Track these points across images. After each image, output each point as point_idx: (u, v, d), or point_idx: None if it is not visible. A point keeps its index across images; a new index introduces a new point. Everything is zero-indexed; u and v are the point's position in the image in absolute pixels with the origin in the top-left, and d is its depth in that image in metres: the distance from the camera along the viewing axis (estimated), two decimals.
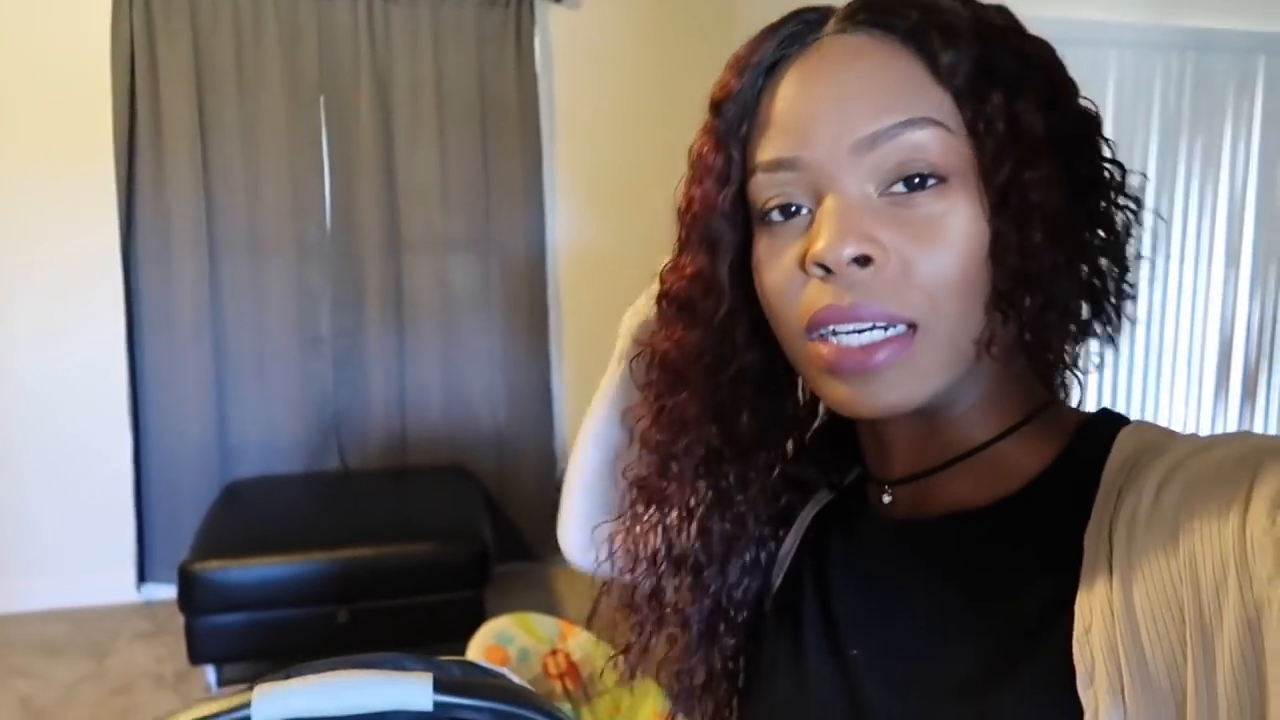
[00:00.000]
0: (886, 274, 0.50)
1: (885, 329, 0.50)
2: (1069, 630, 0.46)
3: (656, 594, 0.66)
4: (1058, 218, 0.49)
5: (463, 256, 3.54)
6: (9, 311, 3.22)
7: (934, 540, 0.55)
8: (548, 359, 3.65)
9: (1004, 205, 0.49)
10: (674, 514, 0.64)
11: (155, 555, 3.42)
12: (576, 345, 3.70)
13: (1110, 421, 0.53)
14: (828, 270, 0.50)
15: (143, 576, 3.43)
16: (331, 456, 3.53)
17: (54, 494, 3.34)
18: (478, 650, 2.21)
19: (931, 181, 0.50)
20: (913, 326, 0.50)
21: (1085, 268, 0.54)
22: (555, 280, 3.66)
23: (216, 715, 0.74)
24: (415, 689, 0.76)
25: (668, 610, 0.66)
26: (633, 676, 0.69)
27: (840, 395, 0.52)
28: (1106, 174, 0.54)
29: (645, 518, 0.65)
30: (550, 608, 2.90)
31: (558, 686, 2.22)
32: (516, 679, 0.90)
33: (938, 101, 0.50)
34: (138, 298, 3.30)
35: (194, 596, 2.65)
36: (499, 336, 3.59)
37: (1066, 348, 0.56)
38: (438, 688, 0.77)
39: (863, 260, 0.50)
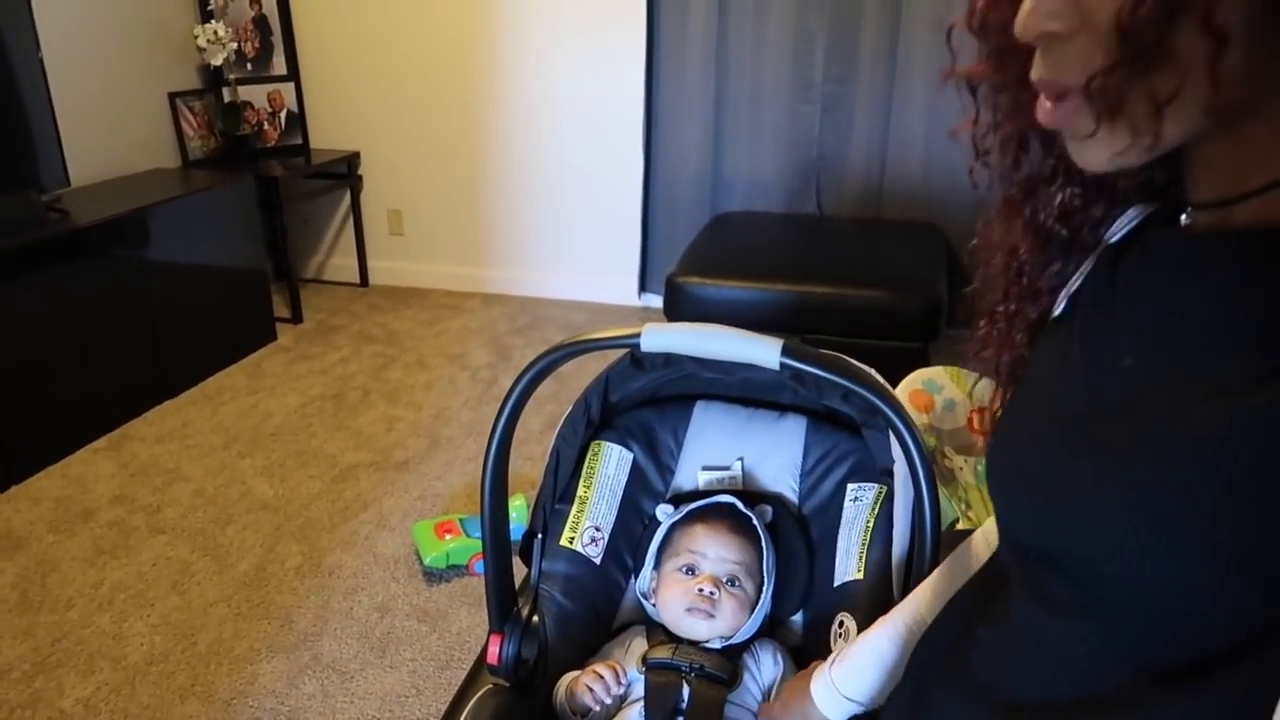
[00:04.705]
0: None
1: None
2: None
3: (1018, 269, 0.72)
4: None
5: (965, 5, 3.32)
6: (552, 45, 3.75)
7: (1230, 252, 0.53)
8: None
9: None
10: (1028, 236, 0.68)
11: (653, 270, 3.96)
12: None
13: None
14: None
15: (643, 286, 4.01)
16: (809, 200, 3.71)
17: (582, 207, 3.96)
18: (904, 391, 2.30)
19: None
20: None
21: None
22: None
23: (615, 338, 0.96)
24: (767, 349, 0.91)
25: (1013, 313, 0.72)
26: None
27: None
28: None
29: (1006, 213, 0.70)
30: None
31: (979, 442, 2.26)
32: (877, 376, 1.01)
33: None
34: (657, 37, 3.64)
35: (677, 304, 3.06)
36: None
37: None
38: (785, 352, 0.92)
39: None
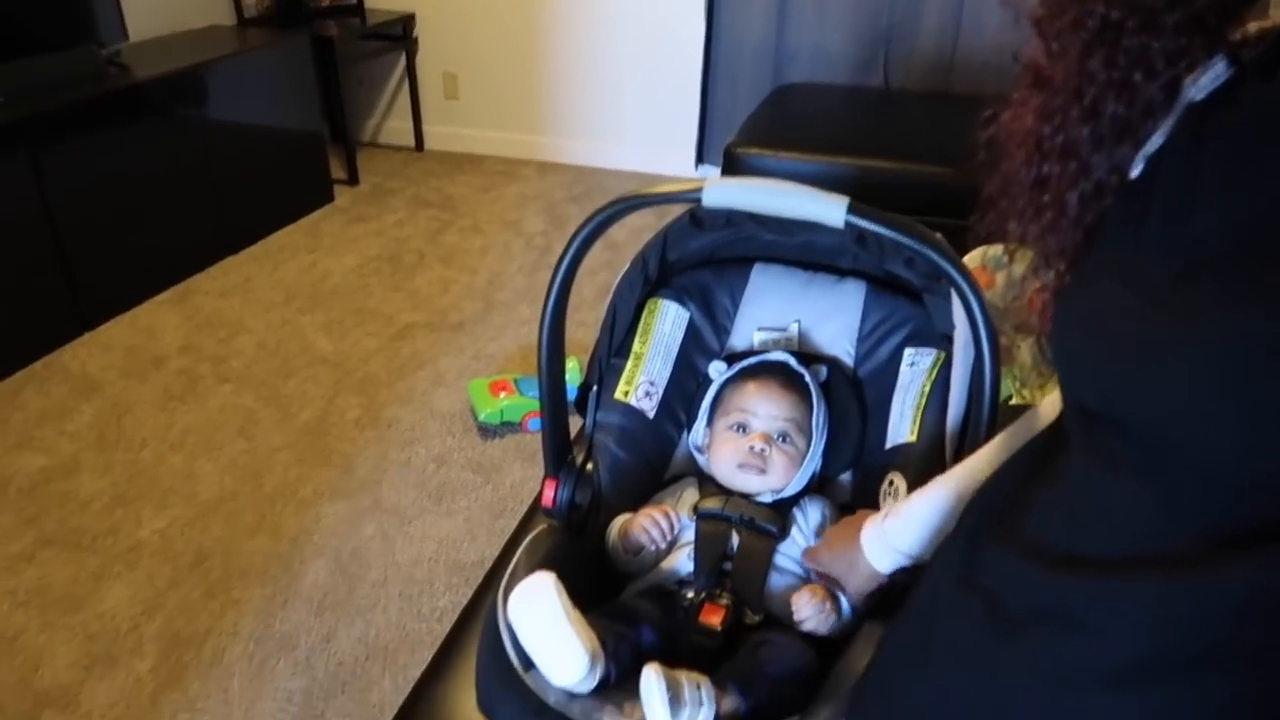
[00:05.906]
0: None
1: None
2: None
3: (1039, 181, 0.66)
4: None
5: None
6: None
7: None
8: None
9: None
10: (1060, 97, 0.61)
11: (712, 141, 3.88)
12: None
13: None
14: None
15: (700, 158, 3.94)
16: (876, 73, 3.58)
17: (641, 76, 3.87)
18: (970, 264, 2.26)
19: None
20: None
21: None
22: None
23: (676, 193, 0.95)
24: (832, 206, 0.90)
25: (1046, 197, 0.66)
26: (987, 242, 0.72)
27: None
28: None
29: (1032, 101, 0.64)
30: None
31: (1036, 320, 2.23)
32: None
33: None
34: None
35: (735, 172, 3.01)
36: None
37: None
38: (851, 210, 0.90)
39: None
